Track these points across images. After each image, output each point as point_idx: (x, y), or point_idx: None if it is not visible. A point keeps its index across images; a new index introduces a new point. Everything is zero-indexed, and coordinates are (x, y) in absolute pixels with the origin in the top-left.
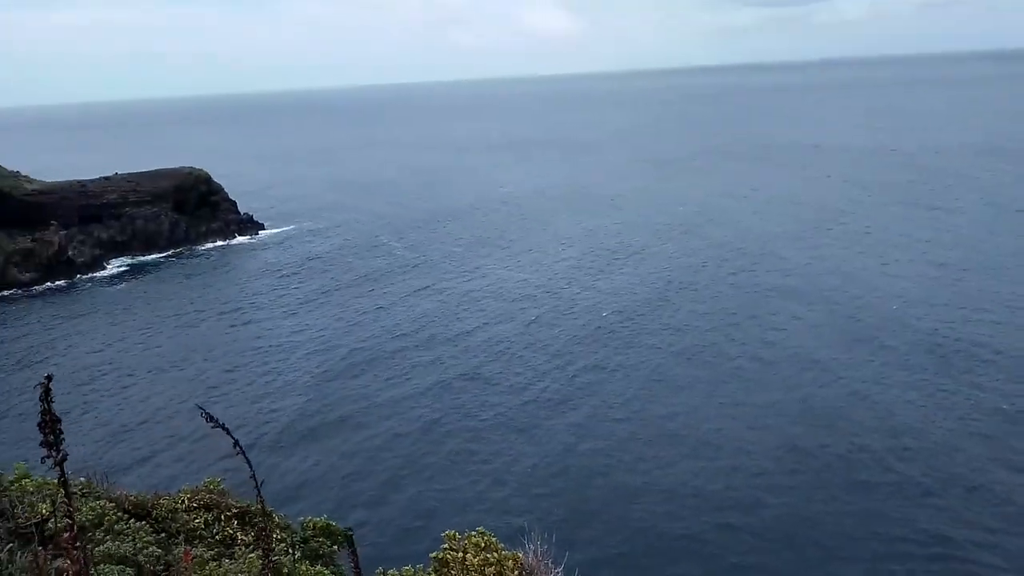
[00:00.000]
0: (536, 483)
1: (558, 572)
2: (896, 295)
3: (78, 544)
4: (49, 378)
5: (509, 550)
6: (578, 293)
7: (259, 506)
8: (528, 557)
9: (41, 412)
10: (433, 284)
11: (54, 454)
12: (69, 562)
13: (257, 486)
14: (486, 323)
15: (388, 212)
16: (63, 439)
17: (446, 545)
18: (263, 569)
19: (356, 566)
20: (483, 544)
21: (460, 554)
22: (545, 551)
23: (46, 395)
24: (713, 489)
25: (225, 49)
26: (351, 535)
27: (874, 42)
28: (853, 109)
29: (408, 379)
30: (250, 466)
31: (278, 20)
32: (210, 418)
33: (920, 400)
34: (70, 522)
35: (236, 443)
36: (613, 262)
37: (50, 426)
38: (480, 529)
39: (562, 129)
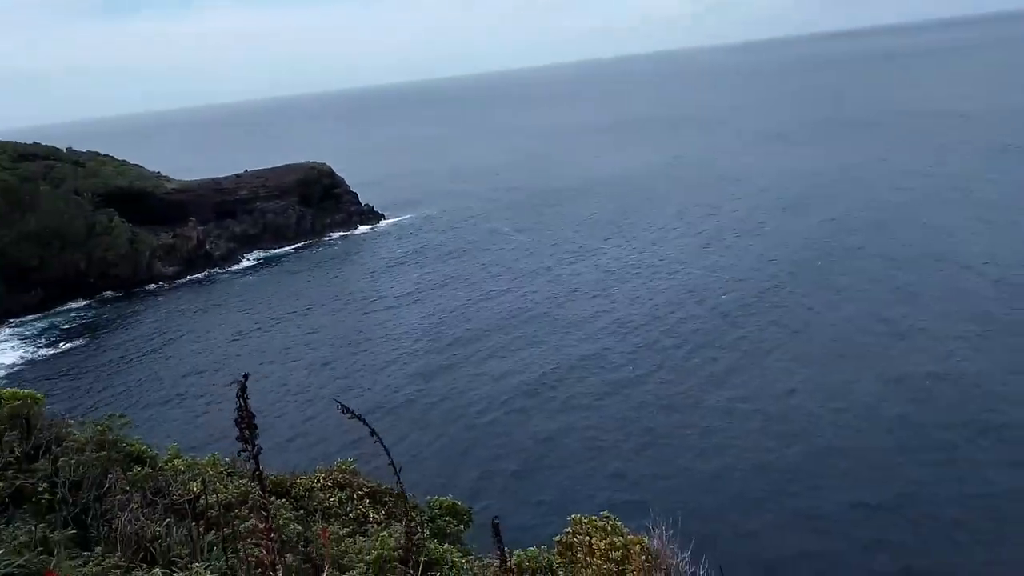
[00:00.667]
0: (663, 469)
1: (684, 557)
2: None
3: (272, 536)
4: (246, 377)
5: (635, 534)
6: (699, 273)
7: (399, 491)
8: (653, 542)
9: (237, 409)
10: (550, 267)
11: (249, 448)
12: (264, 552)
13: (396, 472)
14: (605, 308)
15: (501, 197)
16: (257, 434)
17: (570, 529)
18: (407, 551)
19: (500, 550)
20: (609, 528)
21: (585, 538)
22: (671, 536)
23: (242, 393)
24: (872, 498)
25: (341, 48)
26: (497, 524)
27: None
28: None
29: (530, 363)
30: (388, 453)
31: (389, 17)
32: (346, 410)
33: None
34: (265, 514)
35: (373, 432)
36: (734, 240)
37: (246, 422)
38: (605, 513)
39: (673, 106)
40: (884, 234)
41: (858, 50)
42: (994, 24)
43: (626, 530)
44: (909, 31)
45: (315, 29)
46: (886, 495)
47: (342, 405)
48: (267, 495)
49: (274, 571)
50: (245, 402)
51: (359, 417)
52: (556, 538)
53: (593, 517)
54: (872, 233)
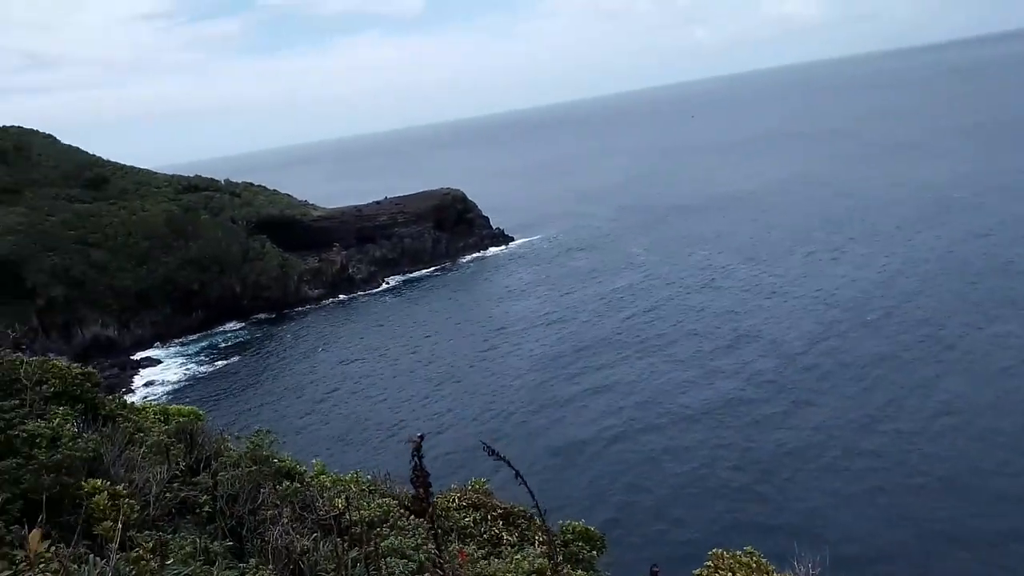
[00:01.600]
0: (812, 501)
1: None
2: None
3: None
4: (421, 437)
5: (780, 571)
6: (837, 292)
7: (544, 529)
8: None
9: (412, 468)
10: (684, 288)
11: (424, 504)
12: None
13: (541, 515)
14: (746, 329)
15: (628, 216)
16: (432, 492)
17: (711, 563)
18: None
19: None
20: (753, 565)
21: (728, 573)
22: (818, 574)
23: (417, 452)
24: None
25: (472, 75)
26: (656, 571)
27: None
28: None
29: (670, 387)
30: (532, 496)
31: (519, 42)
32: (492, 452)
33: None
34: (440, 572)
35: (518, 474)
36: (868, 256)
37: (421, 480)
38: (749, 548)
39: (809, 120)
40: None
41: (1010, 55)
42: None
43: (772, 567)
44: None
45: (450, 58)
46: None
47: (488, 447)
48: (442, 549)
49: None
50: (420, 461)
51: (504, 460)
52: (696, 572)
53: (736, 552)
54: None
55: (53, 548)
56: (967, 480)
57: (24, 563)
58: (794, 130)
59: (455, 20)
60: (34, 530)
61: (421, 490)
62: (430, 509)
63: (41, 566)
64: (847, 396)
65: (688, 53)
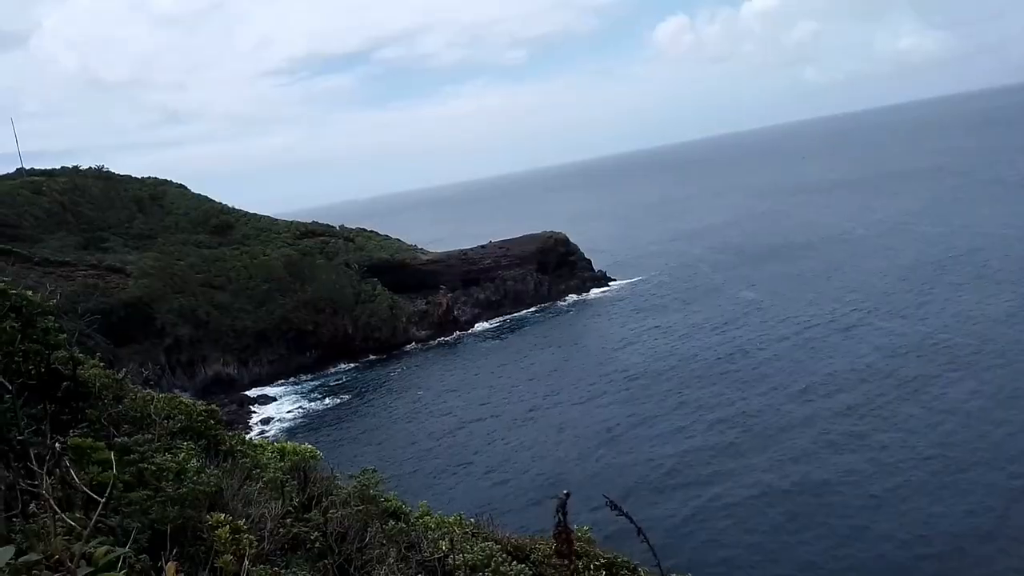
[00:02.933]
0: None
1: None
2: None
3: None
4: (567, 495)
5: None
6: (952, 340)
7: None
8: None
9: (556, 524)
10: (794, 332)
11: (568, 564)
12: None
13: (662, 571)
14: (872, 387)
15: (730, 259)
16: (575, 549)
17: None
18: None
19: None
20: None
21: None
22: None
23: (562, 508)
24: None
25: (582, 117)
26: None
27: None
28: None
29: (774, 440)
30: (653, 553)
31: (621, 85)
32: (615, 507)
33: None
34: None
35: (640, 531)
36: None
37: (564, 537)
38: None
39: (920, 156)
40: None
41: None
42: None
43: None
44: None
45: (553, 103)
46: None
47: (611, 502)
48: None
49: None
50: (564, 518)
51: (628, 516)
52: None
53: None
54: None
55: None
56: None
57: None
58: (906, 168)
59: (557, 66)
60: (170, 562)
61: (563, 546)
62: (571, 565)
63: None
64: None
65: (797, 93)
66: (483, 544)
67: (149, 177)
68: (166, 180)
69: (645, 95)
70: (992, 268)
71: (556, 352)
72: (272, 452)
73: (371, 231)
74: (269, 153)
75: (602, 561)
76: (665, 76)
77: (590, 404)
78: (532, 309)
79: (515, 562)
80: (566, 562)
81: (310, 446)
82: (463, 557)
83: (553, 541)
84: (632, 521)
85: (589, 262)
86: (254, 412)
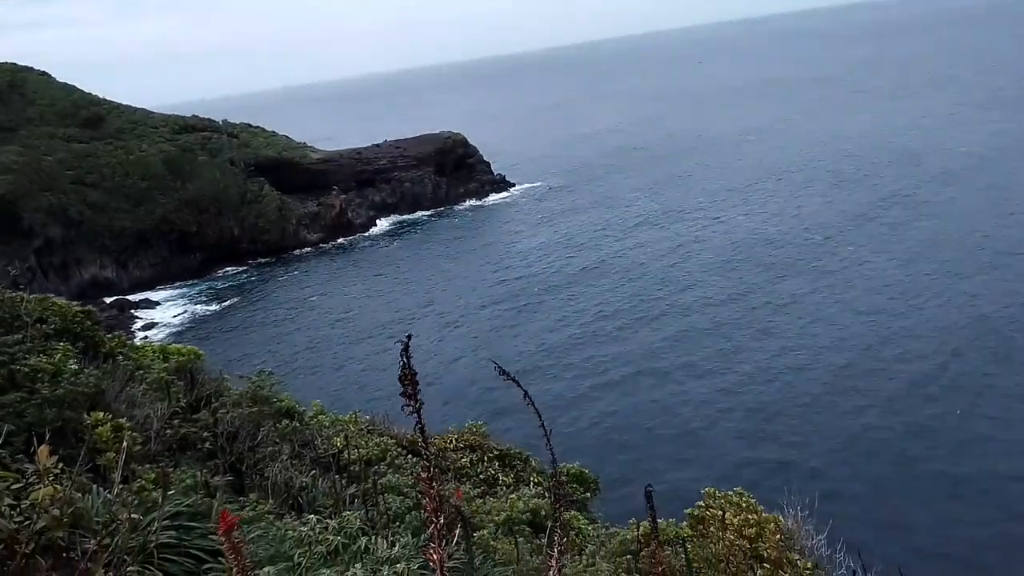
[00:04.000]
0: (800, 450)
1: (820, 539)
2: None
3: (434, 485)
4: (409, 337)
5: (769, 513)
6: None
7: (550, 454)
8: (788, 522)
9: (401, 367)
10: (681, 237)
11: (413, 404)
12: (428, 500)
13: (547, 434)
14: (735, 281)
15: (622, 161)
16: (419, 391)
17: (703, 503)
18: (554, 519)
19: (652, 517)
20: (743, 505)
21: (718, 512)
22: (806, 517)
23: (406, 351)
24: None
25: (471, 15)
26: (650, 491)
27: None
28: None
29: (677, 340)
30: (539, 416)
31: None
32: (502, 371)
33: None
34: (427, 463)
35: (526, 394)
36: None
37: (409, 380)
38: (739, 489)
39: (795, 67)
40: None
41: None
42: None
43: (760, 508)
44: None
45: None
46: None
47: (498, 367)
48: (429, 445)
49: (437, 519)
50: (408, 360)
51: (514, 380)
52: (688, 511)
53: (728, 492)
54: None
55: (61, 465)
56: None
57: (34, 476)
58: (787, 76)
59: None
60: (42, 446)
61: (409, 388)
62: (420, 409)
63: (50, 480)
64: (836, 349)
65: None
66: (379, 440)
67: (7, 63)
68: (27, 67)
69: None
70: (846, 171)
71: (453, 256)
72: (155, 354)
73: (257, 127)
74: (146, 41)
75: (496, 453)
76: None
77: (485, 305)
78: (429, 212)
79: (410, 455)
80: (411, 403)
81: (195, 348)
82: (358, 452)
83: (453, 436)
84: (519, 384)
85: (488, 165)
86: (137, 317)
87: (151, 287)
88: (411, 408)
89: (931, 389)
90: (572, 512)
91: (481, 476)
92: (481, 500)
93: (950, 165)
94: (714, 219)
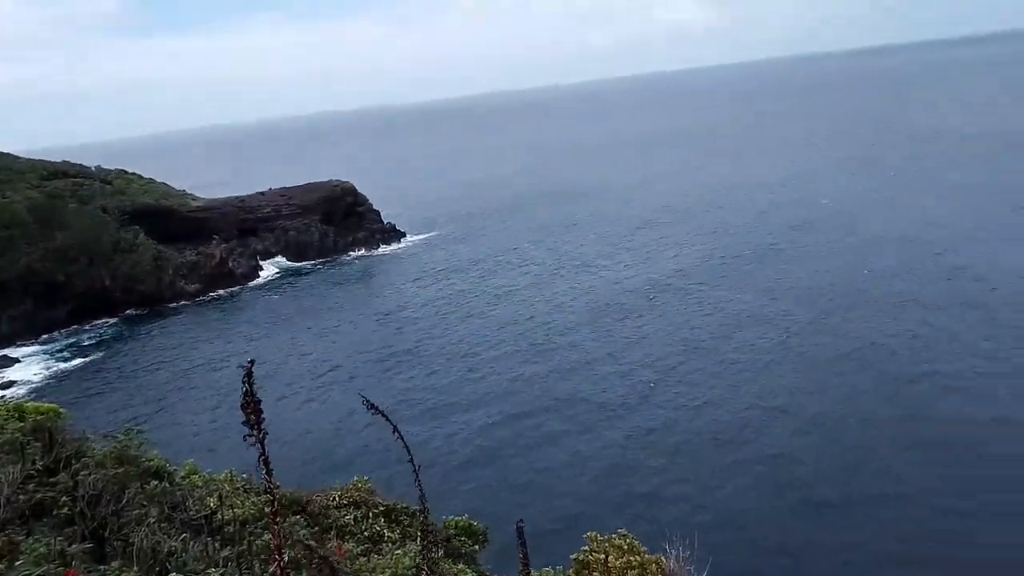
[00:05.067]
0: (683, 489)
1: None
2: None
3: (278, 520)
4: (251, 363)
5: (651, 554)
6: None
7: (419, 492)
8: (670, 562)
9: (244, 394)
10: (571, 286)
11: (256, 433)
12: (272, 536)
13: (415, 470)
14: (626, 329)
15: (517, 214)
16: (264, 419)
17: (587, 547)
18: (421, 565)
19: (523, 554)
20: (625, 547)
21: (601, 555)
22: (688, 556)
23: (248, 378)
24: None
25: (368, 66)
26: (521, 527)
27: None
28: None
29: (560, 382)
30: (408, 452)
31: (417, 34)
32: (371, 406)
33: None
34: (272, 498)
35: (395, 429)
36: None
37: (252, 407)
38: (622, 531)
39: (681, 122)
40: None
41: (876, 69)
42: None
43: (643, 549)
44: (938, 46)
45: (342, 47)
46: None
47: (367, 401)
48: (273, 482)
49: (280, 556)
50: (251, 387)
51: (383, 414)
52: (573, 556)
53: (611, 536)
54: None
55: None
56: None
57: None
58: (670, 129)
59: (355, 8)
60: None
61: (252, 416)
62: (264, 439)
63: None
64: (715, 395)
65: (584, 56)
66: (255, 499)
67: None
68: None
69: (440, 45)
70: (706, 224)
71: (338, 307)
72: (9, 413)
73: (133, 174)
74: (14, 84)
75: (381, 508)
76: (462, 27)
77: (376, 360)
78: (316, 262)
79: (292, 515)
80: (254, 432)
81: (54, 405)
82: (233, 512)
83: (336, 493)
84: (387, 419)
85: (378, 214)
86: None
87: (10, 343)
88: (254, 438)
89: (798, 422)
90: (460, 566)
91: (366, 533)
92: (364, 558)
93: (799, 215)
94: (594, 268)
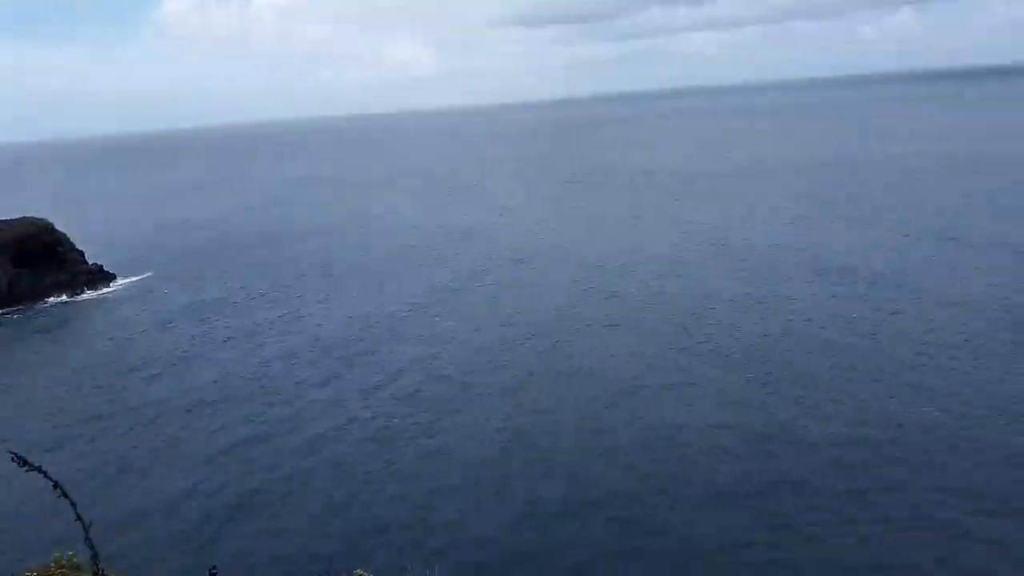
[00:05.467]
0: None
1: None
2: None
3: None
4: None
5: None
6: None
7: (88, 548)
8: None
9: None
10: (302, 330)
11: None
12: None
13: (85, 528)
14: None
15: (239, 254)
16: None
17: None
18: None
19: None
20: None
21: None
22: None
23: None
24: None
25: (77, 90)
26: (214, 573)
27: (725, 71)
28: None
29: (288, 434)
30: (74, 507)
31: (132, 59)
32: (24, 462)
33: None
34: None
35: (56, 484)
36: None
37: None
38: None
39: (418, 162)
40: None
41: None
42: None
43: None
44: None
45: (48, 70)
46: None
47: (19, 457)
48: None
49: None
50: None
51: (41, 470)
52: None
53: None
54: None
55: None
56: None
57: None
58: (408, 170)
59: (50, 28)
60: None
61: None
62: None
63: None
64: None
65: (312, 90)
66: None
67: None
68: None
69: (154, 72)
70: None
71: (31, 364)
72: None
73: None
74: None
75: None
76: (174, 56)
77: (72, 419)
78: (4, 310)
79: None
80: None
81: None
82: None
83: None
84: (47, 475)
85: (82, 254)
86: None
87: None
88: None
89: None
90: None
91: None
92: None
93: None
94: (323, 308)
